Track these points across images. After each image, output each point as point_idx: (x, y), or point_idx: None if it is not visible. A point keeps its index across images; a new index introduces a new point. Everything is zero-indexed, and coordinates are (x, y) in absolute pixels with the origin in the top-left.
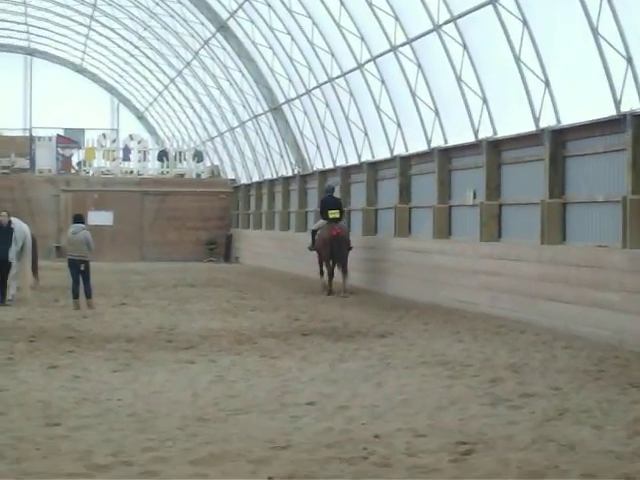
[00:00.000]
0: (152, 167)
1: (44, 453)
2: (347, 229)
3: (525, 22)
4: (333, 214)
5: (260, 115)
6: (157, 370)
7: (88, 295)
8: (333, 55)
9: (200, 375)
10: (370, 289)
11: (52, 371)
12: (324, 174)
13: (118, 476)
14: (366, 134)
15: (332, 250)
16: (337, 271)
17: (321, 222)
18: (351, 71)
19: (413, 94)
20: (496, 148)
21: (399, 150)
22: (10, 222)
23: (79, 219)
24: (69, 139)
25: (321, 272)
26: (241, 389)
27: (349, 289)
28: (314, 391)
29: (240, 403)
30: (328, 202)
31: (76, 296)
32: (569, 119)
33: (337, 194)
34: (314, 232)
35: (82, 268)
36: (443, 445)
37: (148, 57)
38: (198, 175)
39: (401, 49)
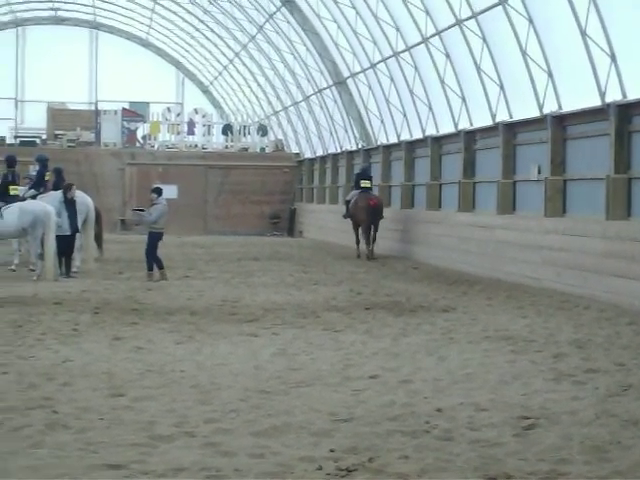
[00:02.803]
0: (216, 141)
1: (108, 423)
2: (382, 200)
3: None
4: (365, 184)
5: (324, 89)
6: (220, 342)
7: (161, 266)
8: (398, 29)
9: (263, 348)
10: (433, 264)
11: (116, 342)
12: (388, 148)
13: (181, 447)
14: (430, 108)
15: (369, 217)
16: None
17: (353, 192)
18: (416, 45)
19: (478, 68)
20: (561, 123)
21: (463, 125)
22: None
23: (162, 192)
24: (134, 113)
25: (357, 241)
26: (304, 362)
27: (375, 254)
28: (377, 365)
29: (303, 376)
30: (361, 174)
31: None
32: (635, 94)
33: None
34: (348, 202)
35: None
36: (506, 419)
37: (213, 31)
38: (262, 149)
39: (466, 23)
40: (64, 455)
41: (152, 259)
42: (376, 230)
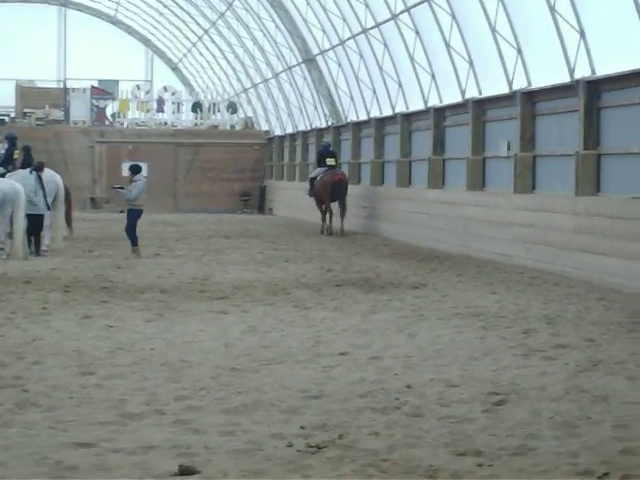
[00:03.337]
0: (186, 118)
1: (78, 402)
2: (346, 176)
3: None
4: (330, 161)
5: (294, 66)
6: (190, 320)
7: (135, 243)
8: (367, 5)
9: (233, 325)
10: (403, 241)
11: (86, 321)
12: (358, 126)
13: (151, 424)
14: (400, 85)
15: (333, 193)
16: (336, 213)
17: (319, 170)
18: (385, 22)
19: (447, 45)
20: (530, 99)
21: (433, 101)
22: None
23: (140, 169)
24: (103, 90)
25: (323, 218)
26: (274, 339)
27: (345, 230)
28: (347, 342)
29: (273, 353)
30: (325, 152)
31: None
32: (604, 70)
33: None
34: (312, 179)
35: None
36: (476, 395)
37: (182, 8)
38: (232, 127)
39: None
40: (34, 434)
41: (132, 235)
42: (344, 206)
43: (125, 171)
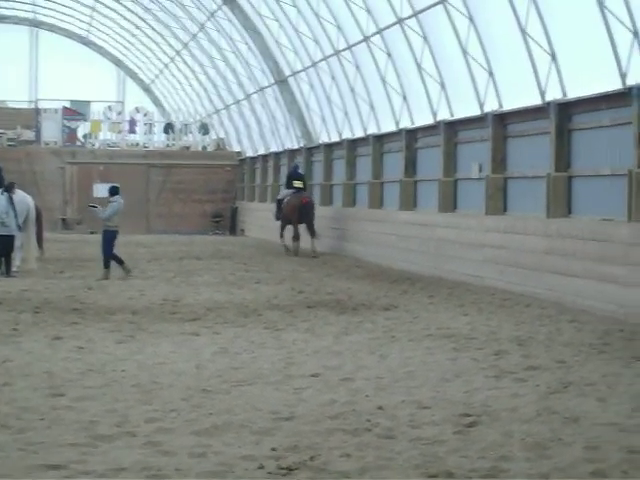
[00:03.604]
0: (158, 140)
1: (48, 423)
2: (313, 199)
3: None
4: (297, 184)
5: (266, 88)
6: (161, 342)
7: (121, 261)
8: (339, 27)
9: (204, 347)
10: (375, 262)
11: (57, 342)
12: (330, 147)
13: (121, 446)
14: (372, 107)
15: (301, 216)
16: (303, 235)
17: (286, 192)
18: (357, 44)
19: (419, 67)
20: (502, 121)
21: (405, 123)
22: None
23: (118, 191)
24: (75, 111)
25: (281, 235)
26: (245, 361)
27: (318, 250)
28: (318, 363)
29: (244, 375)
30: (293, 174)
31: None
32: (575, 92)
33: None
34: (279, 201)
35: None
36: (447, 417)
37: (154, 29)
38: (204, 148)
39: (407, 21)
40: (4, 455)
41: (110, 257)
42: (312, 229)
43: (96, 192)
